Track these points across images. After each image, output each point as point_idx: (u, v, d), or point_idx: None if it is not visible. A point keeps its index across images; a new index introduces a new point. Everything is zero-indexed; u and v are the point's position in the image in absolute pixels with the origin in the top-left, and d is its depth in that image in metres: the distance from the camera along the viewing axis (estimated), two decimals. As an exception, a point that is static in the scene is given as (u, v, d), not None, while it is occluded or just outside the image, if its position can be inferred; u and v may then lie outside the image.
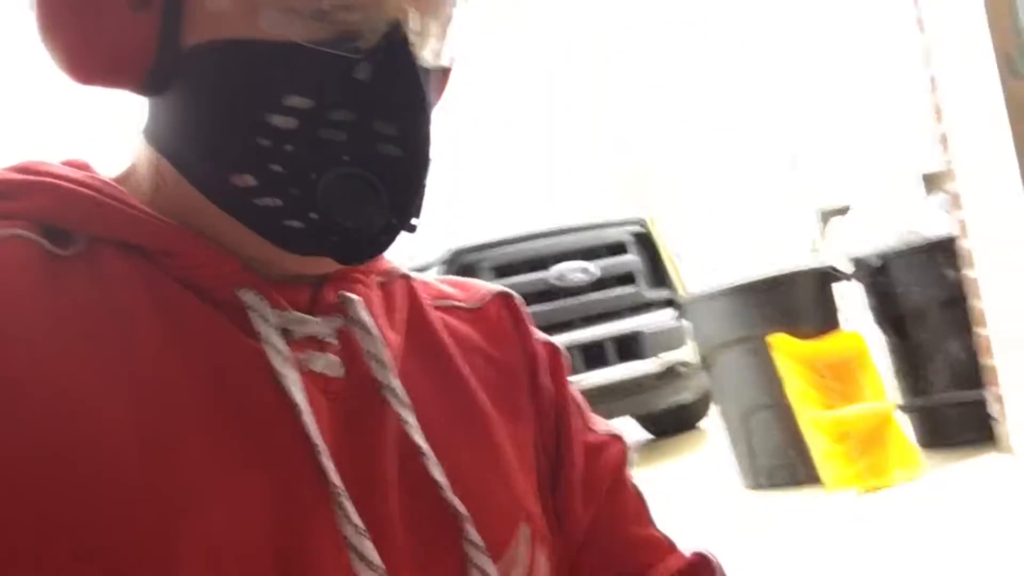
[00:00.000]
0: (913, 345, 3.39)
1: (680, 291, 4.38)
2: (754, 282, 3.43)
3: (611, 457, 0.66)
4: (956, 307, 3.17)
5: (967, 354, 3.18)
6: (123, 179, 0.56)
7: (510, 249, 4.29)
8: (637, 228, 4.65)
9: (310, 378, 0.52)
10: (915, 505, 2.77)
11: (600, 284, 4.39)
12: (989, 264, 3.02)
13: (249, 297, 0.51)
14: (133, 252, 0.50)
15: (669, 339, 4.37)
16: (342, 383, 0.54)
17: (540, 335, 0.68)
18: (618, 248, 4.55)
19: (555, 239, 4.40)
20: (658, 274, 4.60)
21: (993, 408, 3.12)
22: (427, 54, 0.53)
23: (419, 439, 0.54)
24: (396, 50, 0.49)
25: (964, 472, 2.99)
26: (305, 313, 0.54)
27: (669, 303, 4.46)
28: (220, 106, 0.49)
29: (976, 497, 2.69)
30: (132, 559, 0.43)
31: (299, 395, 0.50)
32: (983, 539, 2.32)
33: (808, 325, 3.32)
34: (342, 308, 0.55)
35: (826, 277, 3.52)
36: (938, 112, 3.16)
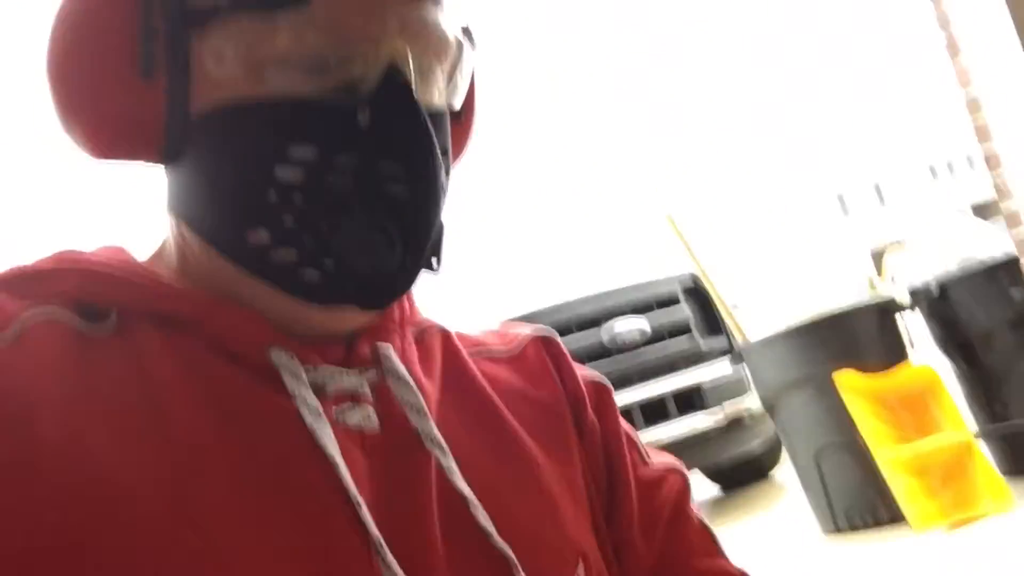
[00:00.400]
0: (984, 370, 3.27)
1: (740, 341, 4.31)
2: (813, 322, 3.35)
3: (670, 490, 0.64)
4: (1024, 327, 3.06)
5: (1043, 375, 3.05)
6: (155, 257, 0.57)
7: (560, 313, 4.27)
8: (687, 281, 4.61)
9: (346, 433, 0.51)
10: (1010, 537, 2.63)
11: (654, 338, 4.34)
12: (1054, 281, 2.92)
13: (280, 357, 0.51)
14: (164, 323, 0.51)
15: (730, 388, 4.28)
16: (379, 437, 0.53)
17: (585, 372, 0.67)
18: (669, 301, 4.51)
19: (605, 298, 4.37)
20: (712, 324, 4.53)
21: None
22: (433, 94, 0.53)
23: (462, 486, 0.53)
24: (394, 89, 0.49)
25: (1057, 499, 2.84)
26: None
27: (726, 352, 4.38)
28: (230, 166, 0.50)
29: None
30: None
31: (333, 448, 0.49)
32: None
33: (873, 359, 3.23)
34: (377, 361, 0.55)
35: (886, 310, 3.43)
36: (984, 133, 3.11)
